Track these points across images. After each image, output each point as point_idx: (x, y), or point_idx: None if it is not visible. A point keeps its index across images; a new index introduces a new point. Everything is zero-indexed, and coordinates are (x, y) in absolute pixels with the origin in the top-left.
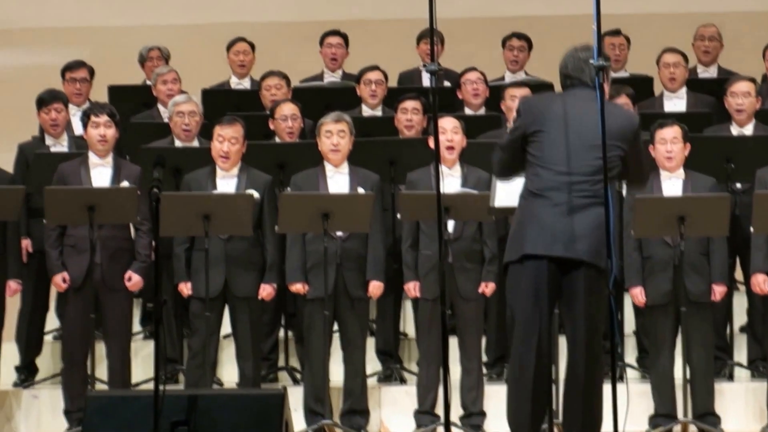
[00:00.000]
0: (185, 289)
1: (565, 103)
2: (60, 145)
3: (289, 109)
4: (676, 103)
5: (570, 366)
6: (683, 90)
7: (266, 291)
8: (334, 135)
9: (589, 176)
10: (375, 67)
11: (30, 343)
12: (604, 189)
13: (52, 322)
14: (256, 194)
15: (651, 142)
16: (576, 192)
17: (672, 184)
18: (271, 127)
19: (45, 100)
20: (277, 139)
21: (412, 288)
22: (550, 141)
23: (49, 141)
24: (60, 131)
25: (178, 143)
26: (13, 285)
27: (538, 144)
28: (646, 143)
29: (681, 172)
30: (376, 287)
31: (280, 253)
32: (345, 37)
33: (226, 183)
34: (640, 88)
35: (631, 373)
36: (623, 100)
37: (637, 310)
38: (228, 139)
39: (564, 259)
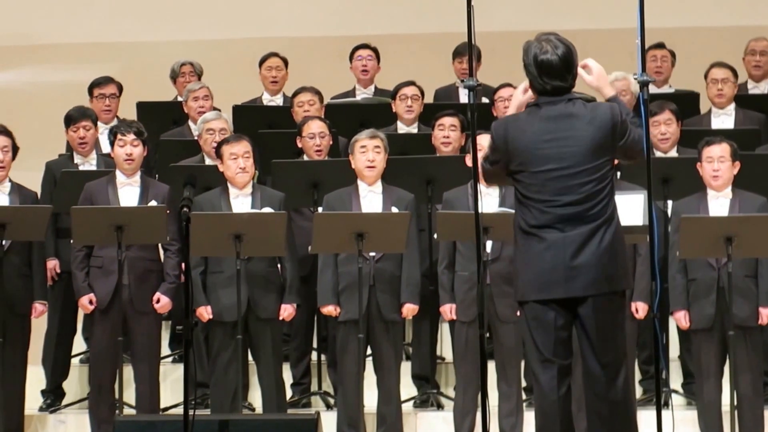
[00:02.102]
0: (205, 313)
1: (543, 127)
2: (89, 164)
3: (317, 126)
4: (724, 120)
5: (588, 408)
6: (731, 106)
7: (287, 311)
8: (369, 151)
9: (583, 204)
10: (411, 83)
11: (57, 366)
12: (608, 207)
13: (79, 345)
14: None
15: (698, 159)
16: (571, 224)
17: (719, 204)
18: (299, 144)
19: (73, 118)
20: (305, 158)
21: (448, 310)
22: (534, 178)
23: (77, 159)
24: (88, 149)
25: (208, 161)
26: (39, 307)
27: (522, 183)
28: (694, 160)
29: (728, 191)
30: (410, 310)
31: (299, 271)
32: (375, 51)
33: (241, 202)
34: (685, 104)
35: (677, 400)
36: (666, 116)
37: (682, 334)
38: (241, 155)
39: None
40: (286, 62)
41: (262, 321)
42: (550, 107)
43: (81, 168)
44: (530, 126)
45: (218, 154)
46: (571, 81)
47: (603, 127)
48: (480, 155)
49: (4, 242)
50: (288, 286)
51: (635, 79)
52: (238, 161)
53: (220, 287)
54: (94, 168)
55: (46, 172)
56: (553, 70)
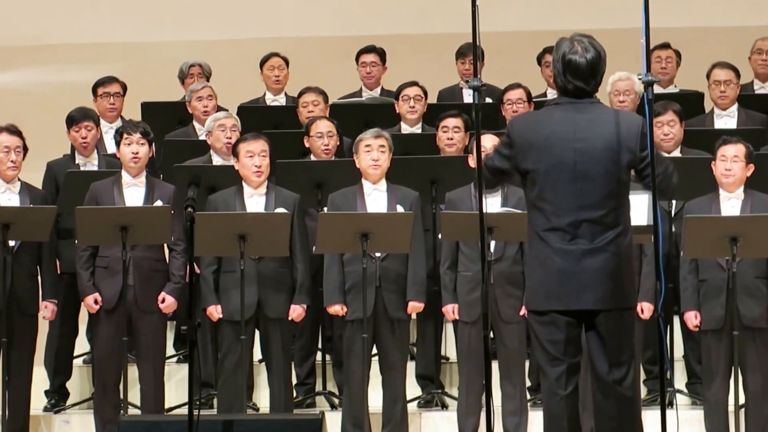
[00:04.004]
0: (215, 312)
1: (561, 128)
2: (90, 164)
3: (324, 125)
4: (726, 121)
5: (597, 413)
6: (734, 108)
7: (296, 312)
8: (374, 150)
9: (596, 211)
10: (414, 83)
11: (59, 367)
12: (622, 216)
13: (82, 345)
14: (285, 212)
15: (713, 158)
16: (585, 232)
17: (731, 205)
18: (307, 144)
19: (75, 119)
20: (313, 157)
21: (451, 311)
22: (548, 182)
23: (79, 159)
24: (90, 150)
25: (216, 160)
26: (50, 305)
27: (535, 184)
28: (699, 161)
29: (740, 192)
30: (415, 308)
31: (311, 273)
32: (381, 53)
33: (255, 202)
34: (690, 104)
35: (681, 399)
36: (670, 116)
37: (686, 333)
38: (258, 153)
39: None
40: (287, 62)
41: (272, 321)
42: (570, 107)
43: (83, 168)
44: (548, 124)
45: (234, 153)
46: (594, 87)
47: (625, 135)
48: (484, 156)
49: (13, 243)
50: (298, 287)
51: (640, 79)
52: (254, 159)
53: (231, 287)
54: (95, 168)
55: (47, 172)
56: (578, 72)
